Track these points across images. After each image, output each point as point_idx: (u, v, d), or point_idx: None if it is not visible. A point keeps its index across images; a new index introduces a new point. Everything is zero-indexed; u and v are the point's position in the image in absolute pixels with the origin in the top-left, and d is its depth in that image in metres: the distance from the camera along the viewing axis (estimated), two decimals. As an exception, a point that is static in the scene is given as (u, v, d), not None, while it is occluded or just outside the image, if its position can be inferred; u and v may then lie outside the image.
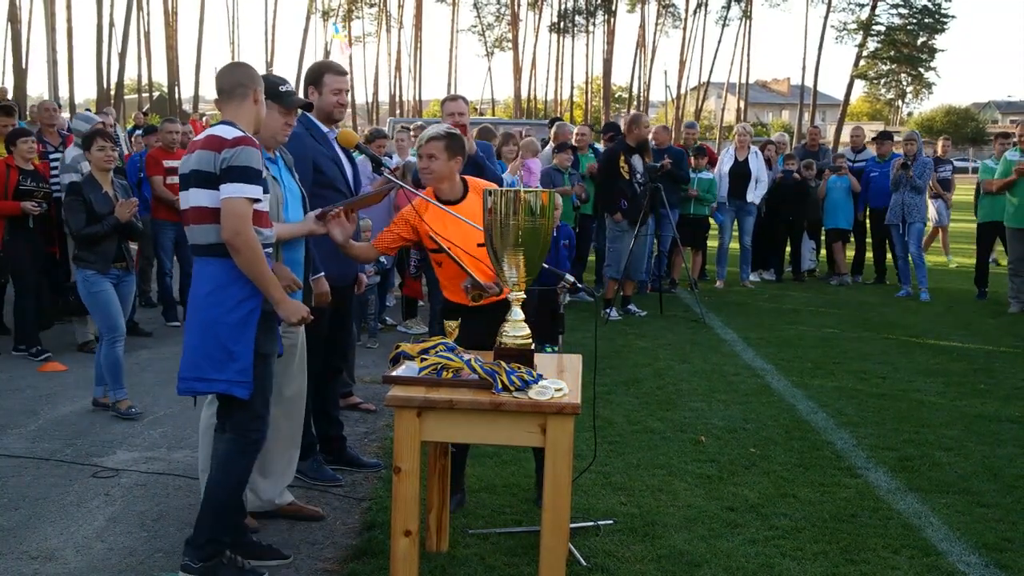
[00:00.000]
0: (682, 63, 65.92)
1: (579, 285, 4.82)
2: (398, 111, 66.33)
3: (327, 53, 62.77)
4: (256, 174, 3.82)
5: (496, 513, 4.86)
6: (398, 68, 70.51)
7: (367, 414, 6.82)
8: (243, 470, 4.02)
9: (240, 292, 3.83)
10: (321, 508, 4.92)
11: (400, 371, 3.85)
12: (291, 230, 4.47)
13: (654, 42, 68.07)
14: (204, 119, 31.69)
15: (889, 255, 13.45)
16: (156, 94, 63.03)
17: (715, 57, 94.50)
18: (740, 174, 13.02)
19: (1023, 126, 11.44)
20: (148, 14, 60.16)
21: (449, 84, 70.70)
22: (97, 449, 5.89)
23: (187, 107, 54.49)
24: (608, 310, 10.57)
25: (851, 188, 13.46)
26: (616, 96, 74.38)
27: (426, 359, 3.83)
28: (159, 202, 9.63)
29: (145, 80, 62.21)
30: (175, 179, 9.57)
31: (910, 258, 12.57)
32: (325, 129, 5.37)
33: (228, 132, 3.84)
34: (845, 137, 18.32)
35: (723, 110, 68.88)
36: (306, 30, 67.49)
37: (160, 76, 67.70)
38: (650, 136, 12.47)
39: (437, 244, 4.76)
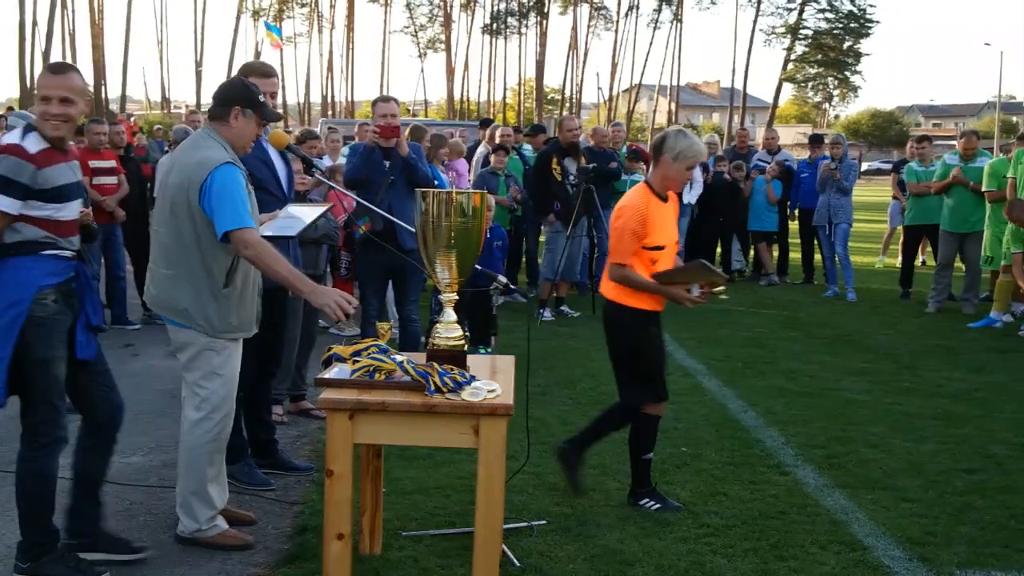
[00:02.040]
0: (614, 65, 66.49)
1: (512, 286, 4.84)
2: (330, 112, 65.92)
3: (258, 53, 62.21)
4: (6, 184, 3.82)
5: (429, 515, 4.85)
6: (330, 69, 70.17)
7: (300, 416, 6.76)
8: (37, 474, 3.99)
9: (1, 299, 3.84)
10: (253, 512, 4.87)
11: (332, 373, 3.83)
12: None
13: (586, 44, 68.55)
14: (132, 119, 31.25)
15: (817, 255, 13.67)
16: (82, 94, 61.77)
17: (646, 60, 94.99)
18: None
19: (968, 138, 11.70)
20: (73, 12, 59.15)
21: (381, 85, 70.47)
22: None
23: (114, 107, 53.61)
24: (541, 311, 10.60)
25: (768, 194, 13.66)
26: (548, 98, 74.62)
27: (358, 361, 3.82)
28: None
29: (70, 80, 60.98)
30: (102, 180, 9.46)
31: (837, 258, 12.79)
32: (256, 131, 5.31)
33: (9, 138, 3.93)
34: (783, 139, 18.57)
35: (655, 112, 69.52)
36: (236, 30, 66.87)
37: (86, 75, 66.46)
38: (585, 138, 12.55)
39: (656, 244, 4.92)
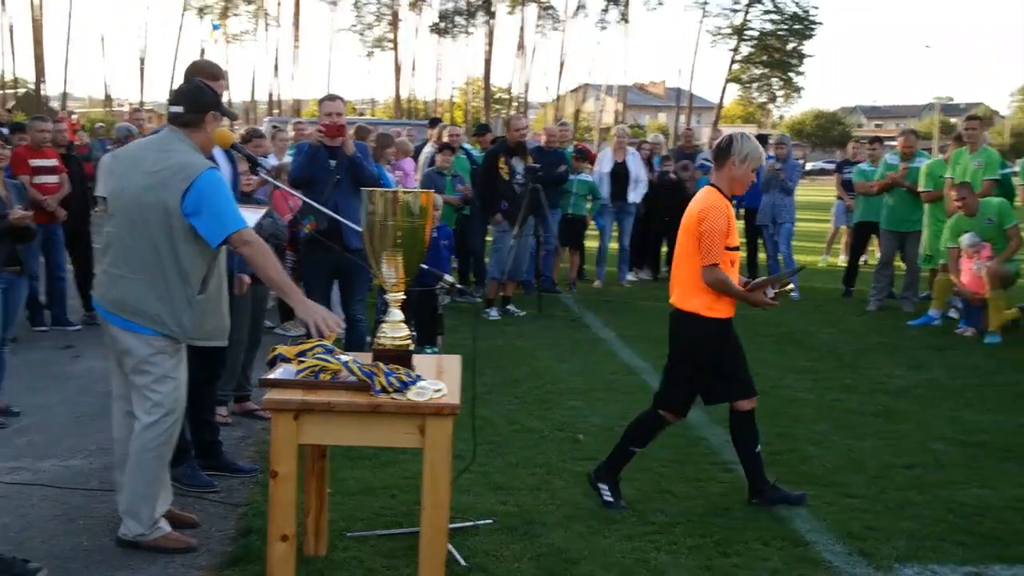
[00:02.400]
0: (561, 65, 66.76)
1: (460, 286, 4.84)
2: (276, 111, 65.39)
3: (203, 51, 61.56)
4: None
5: (375, 515, 4.84)
6: (276, 67, 69.56)
7: (245, 417, 6.71)
8: None
9: None
10: (196, 515, 4.82)
11: (277, 374, 3.81)
12: None
13: (534, 44, 68.63)
14: (74, 117, 30.76)
15: (762, 254, 13.81)
16: (22, 91, 60.78)
17: (594, 59, 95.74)
18: (620, 175, 13.21)
19: (906, 137, 11.89)
20: (12, 8, 58.10)
21: (328, 84, 70.09)
22: (-42, 459, 5.67)
23: (55, 104, 52.77)
24: (488, 310, 10.60)
25: None
26: (496, 97, 74.66)
27: (304, 361, 3.80)
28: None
29: (10, 76, 60.03)
30: (43, 179, 9.30)
31: (780, 257, 12.93)
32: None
33: None
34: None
35: (601, 112, 69.81)
36: (181, 26, 66.15)
37: (26, 72, 65.36)
38: (533, 137, 12.59)
39: (734, 244, 4.95)
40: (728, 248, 4.93)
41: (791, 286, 4.99)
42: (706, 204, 4.96)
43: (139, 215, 4.24)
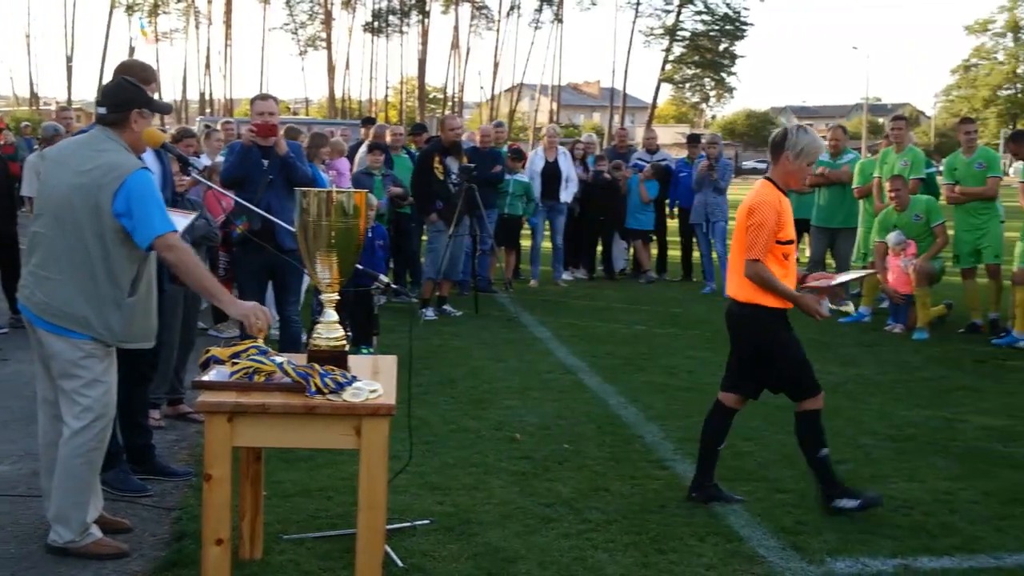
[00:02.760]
0: (496, 65, 66.76)
1: (396, 286, 4.82)
2: (208, 110, 64.64)
3: (132, 50, 60.61)
4: None
5: (311, 517, 4.80)
6: (207, 66, 68.80)
7: (178, 420, 6.62)
8: None
9: None
10: (128, 519, 4.74)
11: (210, 375, 3.76)
12: None
13: (468, 44, 68.65)
14: (-2, 115, 30.09)
15: (696, 252, 13.94)
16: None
17: (528, 59, 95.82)
18: (551, 175, 13.26)
19: (834, 130, 12.06)
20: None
21: (261, 83, 69.45)
22: None
23: (-22, 103, 51.59)
24: (424, 310, 10.58)
25: (641, 194, 13.91)
26: (431, 97, 74.59)
27: (237, 363, 3.76)
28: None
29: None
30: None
31: (716, 256, 13.07)
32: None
33: None
34: (662, 139, 18.81)
35: (536, 111, 70.00)
36: (109, 25, 65.05)
37: (-52, 70, 63.91)
38: (468, 137, 12.58)
39: (788, 238, 4.91)
40: (781, 242, 4.94)
41: (849, 306, 4.97)
42: (758, 198, 4.97)
43: (68, 215, 4.17)
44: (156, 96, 5.17)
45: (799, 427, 5.15)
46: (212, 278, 4.35)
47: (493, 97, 67.60)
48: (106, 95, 4.41)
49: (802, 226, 12.44)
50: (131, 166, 4.17)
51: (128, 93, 4.37)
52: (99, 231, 4.14)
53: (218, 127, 11.76)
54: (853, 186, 11.13)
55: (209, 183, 6.04)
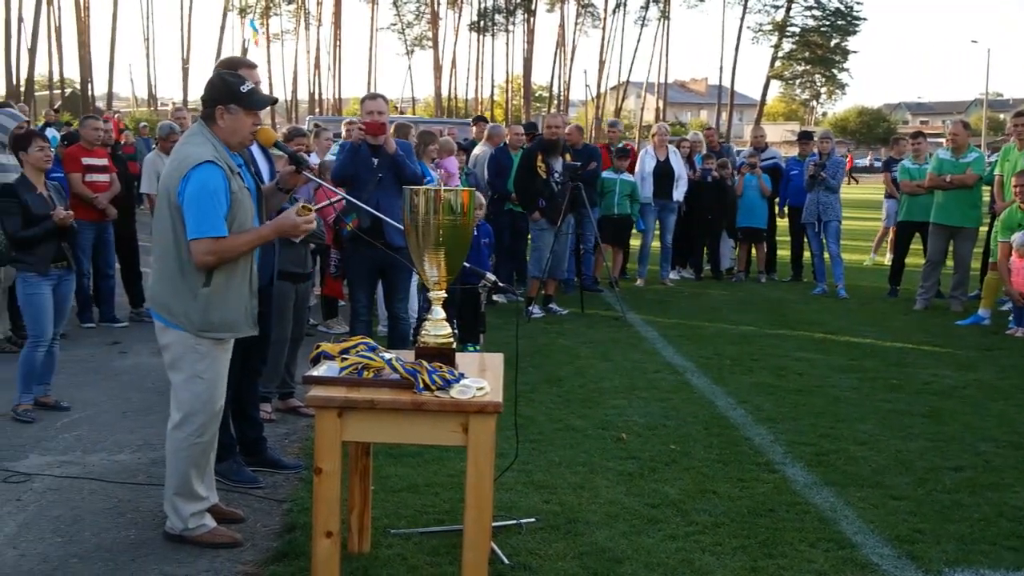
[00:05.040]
0: (601, 63, 66.46)
1: (501, 284, 4.82)
2: (317, 109, 65.80)
3: (244, 51, 62.03)
4: None
5: (418, 513, 4.84)
6: (317, 66, 70.06)
7: (289, 415, 6.74)
8: None
9: None
10: (241, 510, 4.85)
11: (320, 371, 3.81)
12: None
13: (574, 41, 68.68)
14: (117, 116, 31.08)
15: (806, 252, 13.69)
16: (68, 91, 61.60)
17: (634, 57, 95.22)
18: (662, 173, 13.14)
19: (954, 126, 11.70)
20: (59, 9, 58.93)
21: (369, 82, 70.42)
22: (8, 453, 5.74)
23: (100, 104, 53.35)
24: (530, 309, 10.59)
25: (761, 187, 13.69)
26: (536, 95, 74.68)
27: (347, 359, 3.80)
28: (77, 200, 9.31)
29: (56, 76, 60.85)
30: (94, 177, 9.40)
31: (827, 256, 12.80)
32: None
33: None
34: (771, 137, 18.50)
35: (642, 109, 69.59)
36: (223, 27, 66.70)
37: (72, 72, 66.34)
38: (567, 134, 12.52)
39: None
40: None
41: None
42: None
43: (160, 208, 4.30)
44: (258, 82, 5.25)
45: None
46: (251, 236, 4.28)
47: (599, 95, 67.27)
48: (204, 91, 4.50)
49: (916, 228, 12.16)
50: (196, 159, 4.16)
51: (213, 90, 4.39)
52: (172, 221, 4.21)
53: (341, 127, 11.94)
54: (997, 173, 10.73)
55: (321, 181, 6.12)
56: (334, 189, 6.67)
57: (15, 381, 6.56)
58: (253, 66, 5.33)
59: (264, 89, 5.33)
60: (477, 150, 12.76)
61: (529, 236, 11.40)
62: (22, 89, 50.92)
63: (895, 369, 8.39)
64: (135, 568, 4.22)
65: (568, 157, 10.82)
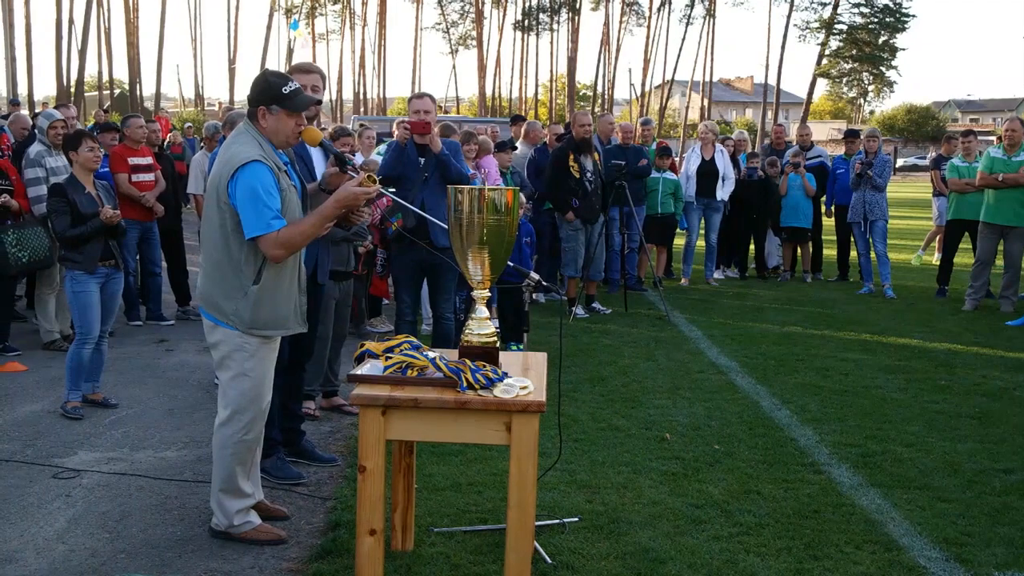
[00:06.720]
0: (646, 61, 66.09)
1: (544, 283, 4.80)
2: (362, 109, 66.08)
3: (291, 51, 62.49)
4: None
5: (461, 511, 4.85)
6: (362, 66, 70.36)
7: (333, 412, 6.78)
8: None
9: None
10: (285, 507, 4.89)
11: (364, 369, 3.83)
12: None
13: (618, 40, 68.01)
14: (166, 116, 31.45)
15: (853, 252, 13.55)
16: (117, 91, 62.38)
17: (679, 55, 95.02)
18: (708, 172, 13.07)
19: (1010, 122, 11.52)
20: (108, 11, 59.70)
21: (413, 82, 70.53)
22: (57, 450, 5.83)
23: (148, 104, 53.97)
24: (574, 308, 10.57)
25: (805, 187, 13.54)
26: (581, 94, 74.50)
27: (391, 357, 3.82)
28: (123, 199, 9.43)
29: (106, 77, 61.63)
30: (140, 176, 9.52)
31: (873, 255, 12.67)
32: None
33: None
34: (817, 135, 18.32)
35: (687, 108, 69.10)
36: (269, 27, 67.23)
37: (121, 73, 67.13)
38: (616, 133, 12.48)
39: None
40: None
41: None
42: None
43: (208, 206, 4.33)
44: (321, 88, 5.28)
45: None
46: (312, 220, 4.26)
47: (644, 94, 66.96)
48: (248, 90, 4.54)
49: (965, 227, 11.98)
50: (245, 158, 4.18)
51: (255, 91, 4.40)
52: (222, 220, 4.23)
53: (393, 127, 11.98)
54: None
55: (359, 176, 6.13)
56: (384, 190, 6.70)
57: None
58: (313, 71, 5.33)
59: (322, 86, 5.37)
60: (520, 148, 12.73)
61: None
62: (72, 90, 51.64)
63: (943, 370, 8.28)
64: (181, 564, 4.27)
65: (597, 156, 10.75)
